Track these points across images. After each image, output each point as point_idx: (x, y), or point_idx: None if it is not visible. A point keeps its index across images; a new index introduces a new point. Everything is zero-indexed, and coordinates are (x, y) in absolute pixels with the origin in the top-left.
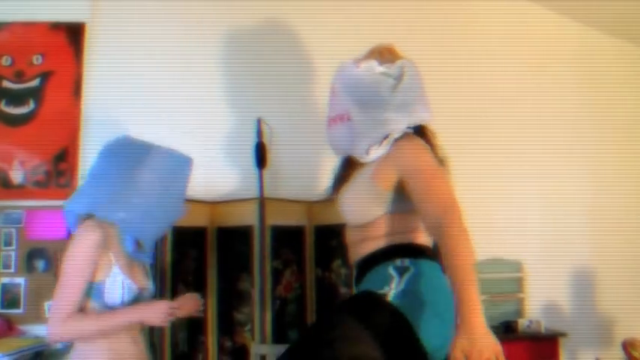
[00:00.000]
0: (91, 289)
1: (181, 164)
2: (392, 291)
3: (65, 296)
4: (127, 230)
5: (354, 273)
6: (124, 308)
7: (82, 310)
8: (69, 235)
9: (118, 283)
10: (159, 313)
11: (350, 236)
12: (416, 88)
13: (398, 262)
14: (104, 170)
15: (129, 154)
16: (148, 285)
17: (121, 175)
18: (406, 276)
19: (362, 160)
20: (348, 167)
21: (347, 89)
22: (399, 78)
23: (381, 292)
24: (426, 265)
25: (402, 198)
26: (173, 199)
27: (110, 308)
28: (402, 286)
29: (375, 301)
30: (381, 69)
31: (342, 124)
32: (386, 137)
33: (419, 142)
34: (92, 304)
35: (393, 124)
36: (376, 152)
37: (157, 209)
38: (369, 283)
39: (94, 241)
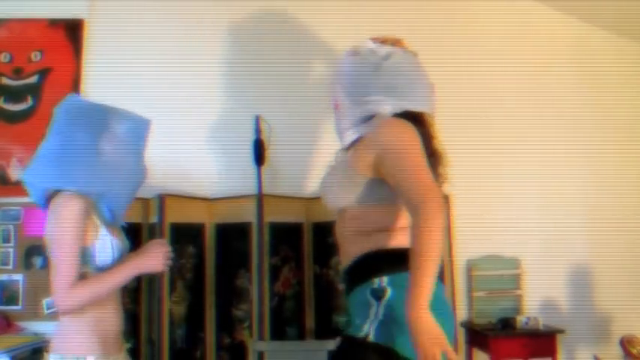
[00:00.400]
0: (83, 254)
1: (140, 126)
2: (372, 326)
3: (65, 266)
4: (102, 201)
5: (343, 281)
6: (122, 264)
7: (82, 276)
8: (43, 208)
9: (107, 244)
10: (156, 258)
11: (336, 229)
12: (407, 74)
13: (376, 282)
14: (67, 139)
15: (91, 120)
16: (126, 244)
17: (87, 145)
18: (384, 301)
19: (347, 141)
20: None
21: (337, 76)
22: (385, 58)
23: (362, 334)
24: (403, 280)
25: (379, 186)
26: (138, 164)
27: (102, 269)
28: (380, 316)
29: (358, 348)
30: (371, 46)
31: (335, 113)
32: (368, 120)
33: (402, 123)
34: (85, 268)
35: (375, 105)
36: (354, 134)
37: (127, 178)
38: (352, 313)
39: (79, 208)
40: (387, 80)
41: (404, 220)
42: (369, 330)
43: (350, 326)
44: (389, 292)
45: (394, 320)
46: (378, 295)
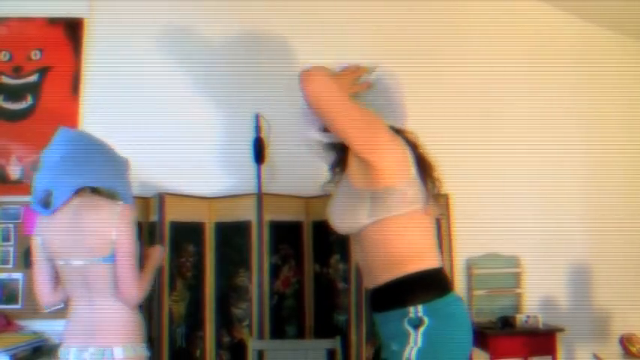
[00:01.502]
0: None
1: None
2: (413, 353)
3: (134, 264)
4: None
5: (369, 296)
6: (150, 261)
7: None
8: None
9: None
10: (160, 252)
11: (357, 254)
12: (386, 93)
13: (411, 311)
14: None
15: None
16: None
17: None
18: (422, 330)
19: (315, 137)
20: (336, 173)
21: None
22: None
23: (404, 355)
24: (442, 309)
25: (383, 196)
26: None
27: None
28: (419, 343)
29: None
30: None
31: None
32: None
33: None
34: None
35: None
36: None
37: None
38: (386, 336)
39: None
40: (370, 99)
41: (425, 231)
42: (409, 356)
43: (386, 349)
44: (426, 321)
45: (434, 347)
46: (416, 324)
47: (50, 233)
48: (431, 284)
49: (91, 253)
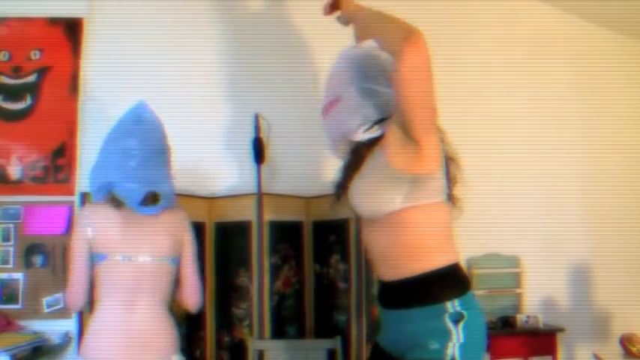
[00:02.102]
0: None
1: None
2: (455, 349)
3: (197, 270)
4: None
5: (382, 290)
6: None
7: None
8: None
9: None
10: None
11: (369, 236)
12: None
13: (450, 307)
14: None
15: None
16: None
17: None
18: (462, 325)
19: (359, 138)
20: (358, 157)
21: (344, 66)
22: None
23: (448, 358)
24: (472, 302)
25: (423, 182)
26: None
27: None
28: (461, 339)
29: None
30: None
31: (334, 108)
32: (382, 120)
33: None
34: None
35: (381, 97)
36: (376, 129)
37: None
38: (419, 335)
39: None
40: (386, 68)
41: (449, 223)
42: (453, 354)
43: (419, 349)
44: (466, 315)
45: (473, 340)
46: (457, 319)
47: (108, 226)
48: (462, 277)
49: (161, 251)
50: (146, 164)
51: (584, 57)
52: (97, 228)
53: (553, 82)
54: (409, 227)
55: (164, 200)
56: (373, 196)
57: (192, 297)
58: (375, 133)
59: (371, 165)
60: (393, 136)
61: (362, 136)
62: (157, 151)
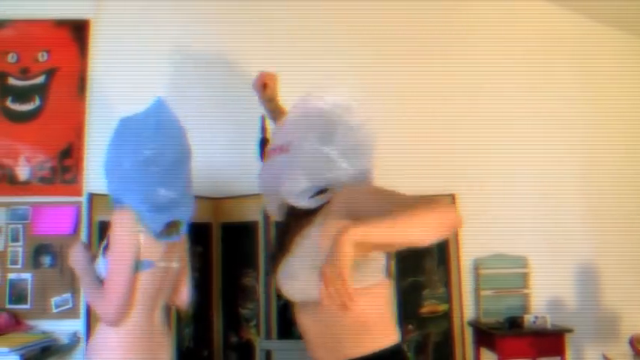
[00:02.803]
0: None
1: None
2: None
3: None
4: None
5: None
6: None
7: None
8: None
9: None
10: None
11: (303, 319)
12: (364, 133)
13: None
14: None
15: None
16: None
17: None
18: None
19: (297, 203)
20: (293, 227)
21: (299, 118)
22: (348, 111)
23: None
24: None
25: (367, 263)
26: None
27: None
28: None
29: None
30: (343, 101)
31: (279, 155)
32: (326, 187)
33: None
34: None
35: (336, 167)
36: (320, 198)
37: None
38: None
39: None
40: (352, 140)
41: (389, 300)
42: None
43: None
44: None
45: None
46: None
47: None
48: (405, 359)
49: (181, 255)
50: (168, 177)
51: (590, 57)
52: (147, 234)
53: (558, 82)
54: (350, 310)
55: (184, 226)
56: (305, 282)
57: (184, 299)
58: (314, 203)
59: (306, 243)
60: (336, 216)
61: (300, 202)
62: (180, 159)
